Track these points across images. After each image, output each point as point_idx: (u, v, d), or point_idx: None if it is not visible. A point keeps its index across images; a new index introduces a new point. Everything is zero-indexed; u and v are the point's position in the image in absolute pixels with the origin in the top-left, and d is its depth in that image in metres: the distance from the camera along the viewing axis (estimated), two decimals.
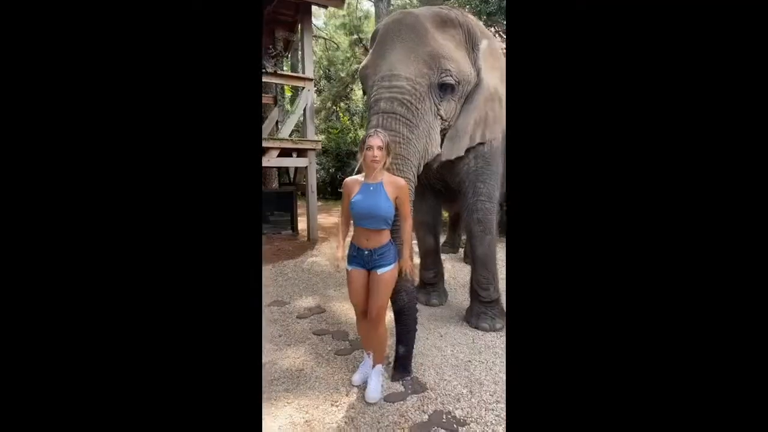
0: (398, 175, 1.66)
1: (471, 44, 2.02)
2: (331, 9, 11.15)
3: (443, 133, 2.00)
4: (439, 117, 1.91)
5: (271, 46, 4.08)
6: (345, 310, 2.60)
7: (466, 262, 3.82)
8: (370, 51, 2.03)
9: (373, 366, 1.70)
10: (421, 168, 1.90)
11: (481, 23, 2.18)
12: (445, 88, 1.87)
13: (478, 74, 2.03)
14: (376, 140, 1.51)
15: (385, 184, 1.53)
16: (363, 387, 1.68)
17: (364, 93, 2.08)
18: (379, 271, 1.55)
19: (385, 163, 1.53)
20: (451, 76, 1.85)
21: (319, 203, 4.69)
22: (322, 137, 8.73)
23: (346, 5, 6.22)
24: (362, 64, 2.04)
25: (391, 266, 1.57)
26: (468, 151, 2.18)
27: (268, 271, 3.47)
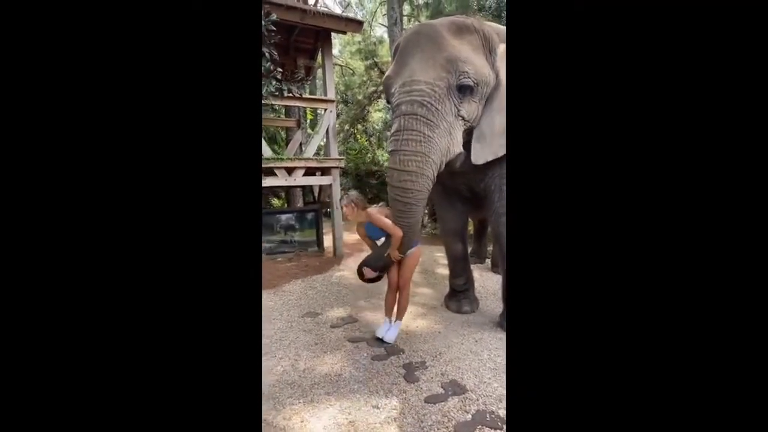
0: (417, 172, 1.92)
1: (489, 48, 2.11)
2: (346, 38, 11.66)
3: (467, 133, 2.07)
4: (460, 118, 2.00)
5: (296, 71, 4.32)
6: (377, 319, 2.61)
7: (494, 272, 3.78)
8: (393, 62, 2.17)
9: (395, 321, 2.30)
10: (443, 166, 2.00)
11: (501, 29, 2.27)
12: (464, 90, 1.96)
13: (497, 76, 2.10)
14: (342, 202, 2.18)
15: (371, 222, 2.15)
16: (384, 349, 2.12)
17: (388, 102, 2.20)
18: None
19: (354, 215, 2.17)
20: (469, 77, 1.94)
21: (342, 222, 4.78)
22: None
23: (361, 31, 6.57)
24: (386, 75, 2.18)
25: (411, 250, 2.18)
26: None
27: (297, 285, 3.54)
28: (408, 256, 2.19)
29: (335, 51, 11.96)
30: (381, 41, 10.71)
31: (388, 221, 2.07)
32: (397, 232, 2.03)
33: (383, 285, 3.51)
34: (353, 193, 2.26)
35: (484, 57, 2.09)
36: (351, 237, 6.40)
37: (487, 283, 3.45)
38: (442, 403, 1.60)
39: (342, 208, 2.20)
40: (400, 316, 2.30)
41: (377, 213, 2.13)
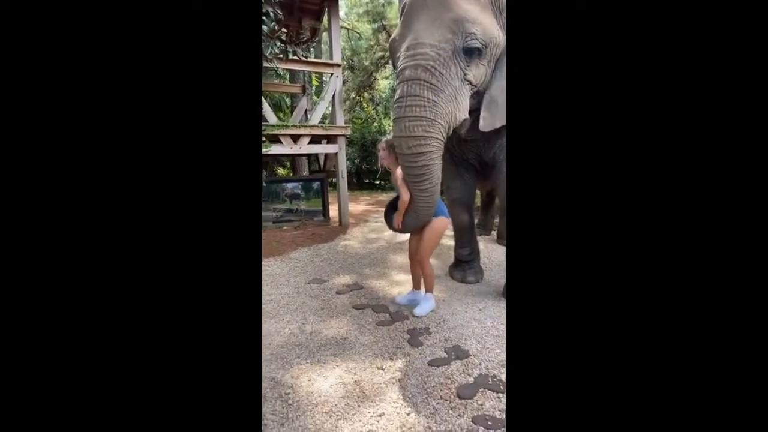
0: (424, 136, 1.86)
1: (498, 8, 1.98)
2: None
3: (476, 98, 1.99)
4: (467, 82, 1.91)
5: (301, 33, 4.15)
6: (382, 287, 2.65)
7: (500, 243, 3.78)
8: (399, 24, 2.06)
9: (425, 293, 2.27)
10: (450, 131, 1.94)
11: None
12: (471, 53, 1.87)
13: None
14: (379, 146, 2.20)
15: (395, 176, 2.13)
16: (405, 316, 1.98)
17: (394, 66, 2.11)
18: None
19: (390, 161, 2.15)
20: (477, 39, 1.84)
21: (348, 192, 4.75)
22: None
23: None
24: (392, 37, 2.09)
25: (432, 219, 2.11)
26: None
27: (304, 253, 3.59)
28: (429, 225, 2.11)
29: (341, 13, 11.43)
30: (390, 2, 10.18)
31: (402, 182, 2.01)
32: (404, 195, 2.00)
33: (387, 254, 3.55)
34: (390, 138, 2.18)
35: (493, 16, 1.97)
36: (356, 207, 6.40)
37: (493, 254, 3.46)
38: (445, 367, 1.64)
39: (379, 150, 2.20)
40: (428, 289, 2.26)
41: (401, 170, 2.07)
